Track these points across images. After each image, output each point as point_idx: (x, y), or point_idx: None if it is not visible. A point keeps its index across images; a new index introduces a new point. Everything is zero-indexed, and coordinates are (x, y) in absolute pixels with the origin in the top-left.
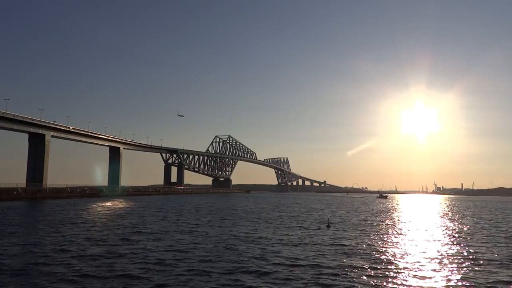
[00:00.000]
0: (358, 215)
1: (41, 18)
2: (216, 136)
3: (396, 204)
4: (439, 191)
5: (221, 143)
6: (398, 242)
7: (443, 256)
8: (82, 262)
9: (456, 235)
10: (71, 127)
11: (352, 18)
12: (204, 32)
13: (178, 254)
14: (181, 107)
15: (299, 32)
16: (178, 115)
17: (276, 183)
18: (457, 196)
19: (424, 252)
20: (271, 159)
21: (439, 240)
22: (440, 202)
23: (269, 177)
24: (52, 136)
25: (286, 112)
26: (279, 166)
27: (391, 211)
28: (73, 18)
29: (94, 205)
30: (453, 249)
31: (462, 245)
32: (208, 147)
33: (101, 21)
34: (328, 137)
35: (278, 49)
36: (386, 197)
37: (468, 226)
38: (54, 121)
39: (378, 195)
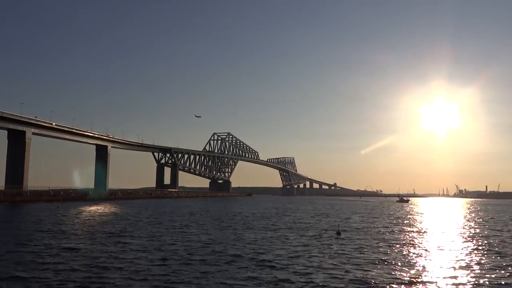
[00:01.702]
0: (374, 221)
1: (22, 6)
2: (214, 133)
3: (417, 209)
4: (462, 194)
5: (219, 141)
6: (423, 255)
7: (476, 276)
8: (57, 275)
9: (492, 248)
10: (54, 124)
11: (367, 4)
12: (199, 19)
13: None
14: (174, 102)
15: (307, 17)
16: (196, 116)
17: (281, 185)
18: (481, 199)
19: (452, 269)
20: (275, 159)
21: (471, 255)
22: (464, 207)
23: (273, 179)
24: (33, 133)
25: (293, 106)
26: (284, 167)
27: (413, 217)
28: (55, 5)
29: (78, 210)
30: (491, 267)
31: (501, 263)
32: (205, 146)
33: (87, 9)
34: (339, 135)
35: (283, 36)
36: (407, 201)
37: (503, 238)
38: (35, 117)
39: (398, 198)
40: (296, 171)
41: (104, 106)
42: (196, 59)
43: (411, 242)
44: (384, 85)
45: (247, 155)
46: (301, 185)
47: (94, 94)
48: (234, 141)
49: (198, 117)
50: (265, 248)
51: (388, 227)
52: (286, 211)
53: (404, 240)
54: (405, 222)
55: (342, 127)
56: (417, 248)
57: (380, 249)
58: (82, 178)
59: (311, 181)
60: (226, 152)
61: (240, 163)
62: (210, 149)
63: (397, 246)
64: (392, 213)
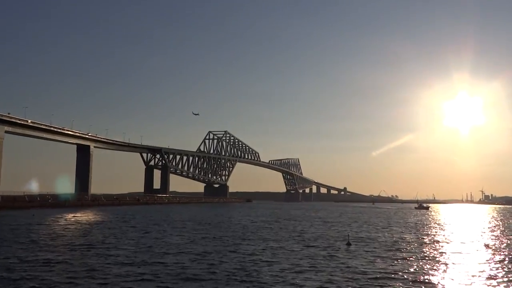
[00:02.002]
0: (390, 231)
1: None
2: (210, 132)
3: (439, 217)
4: (488, 200)
5: (215, 141)
6: (444, 271)
7: None
8: None
9: None
10: (29, 121)
11: None
12: (195, 10)
13: None
14: (165, 97)
15: (313, 3)
16: (193, 113)
17: (284, 190)
18: (510, 206)
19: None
20: (277, 160)
21: (502, 275)
22: (492, 215)
23: (275, 183)
24: (6, 132)
25: (298, 102)
26: (287, 169)
27: (433, 227)
28: None
29: (56, 218)
30: None
31: None
32: (200, 146)
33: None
34: (350, 134)
35: (287, 24)
36: (427, 208)
37: None
38: (8, 113)
39: (416, 205)
40: (302, 174)
41: (86, 102)
42: (190, 51)
43: (432, 256)
44: (401, 78)
45: (246, 156)
46: (307, 190)
47: (75, 89)
48: (232, 141)
49: (196, 114)
50: (266, 261)
51: (405, 238)
52: (290, 218)
53: (423, 253)
54: (424, 232)
55: (353, 125)
56: (438, 263)
57: (396, 263)
58: (62, 182)
59: (318, 185)
60: (223, 153)
61: (238, 165)
62: (205, 150)
63: (416, 260)
64: (409, 222)
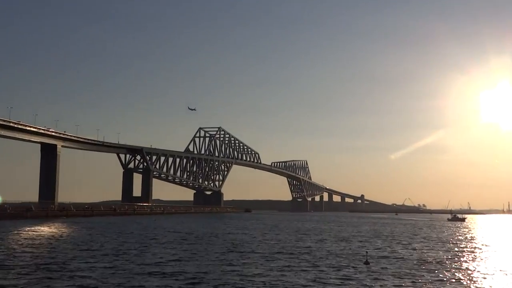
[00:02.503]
0: (417, 248)
1: None
2: (200, 128)
3: (478, 230)
4: None
5: (207, 139)
6: None
7: None
8: None
9: None
10: None
11: None
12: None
13: None
14: (148, 88)
15: None
16: (189, 108)
17: (290, 198)
18: None
19: None
20: (281, 162)
21: None
22: None
23: (279, 189)
24: None
25: (304, 93)
26: (293, 173)
27: (472, 242)
28: None
29: (14, 232)
30: None
31: None
32: (188, 145)
33: None
34: (367, 131)
35: None
36: (463, 220)
37: None
38: None
39: (450, 216)
40: (310, 179)
41: (52, 93)
42: (177, 32)
43: (469, 278)
44: (430, 64)
45: (244, 158)
46: (317, 198)
47: (38, 76)
48: (227, 139)
49: (192, 110)
50: (272, 283)
51: (437, 257)
52: (298, 232)
53: (459, 277)
54: (461, 250)
55: (372, 120)
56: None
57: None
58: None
59: (330, 192)
60: (217, 154)
61: (235, 168)
62: (195, 150)
63: (448, 282)
64: (442, 237)
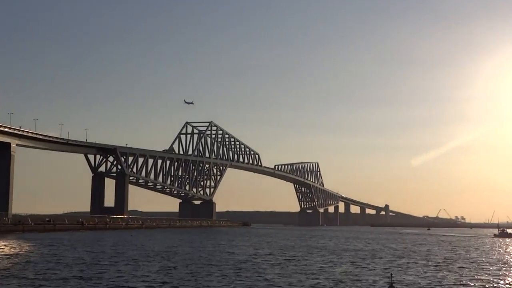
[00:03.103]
0: (455, 271)
1: None
2: (187, 123)
3: None
4: None
5: (195, 137)
6: None
7: None
8: None
9: None
10: None
11: None
12: None
13: None
14: (121, 75)
15: None
16: (186, 102)
17: (298, 209)
18: None
19: None
20: (287, 165)
21: None
22: None
23: (284, 198)
24: None
25: (315, 81)
26: (302, 178)
27: None
28: None
29: None
30: None
31: None
32: (173, 144)
33: None
34: (394, 126)
35: None
36: None
37: None
38: None
39: (497, 231)
40: (323, 186)
41: (5, 81)
42: (159, 10)
43: None
44: (461, 42)
45: (241, 159)
46: (331, 209)
47: None
48: (220, 136)
49: (188, 103)
50: None
51: (484, 282)
52: (308, 251)
53: None
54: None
55: (397, 113)
56: None
57: None
58: None
59: (347, 201)
60: (207, 154)
61: (230, 172)
62: (181, 150)
63: None
64: (491, 258)
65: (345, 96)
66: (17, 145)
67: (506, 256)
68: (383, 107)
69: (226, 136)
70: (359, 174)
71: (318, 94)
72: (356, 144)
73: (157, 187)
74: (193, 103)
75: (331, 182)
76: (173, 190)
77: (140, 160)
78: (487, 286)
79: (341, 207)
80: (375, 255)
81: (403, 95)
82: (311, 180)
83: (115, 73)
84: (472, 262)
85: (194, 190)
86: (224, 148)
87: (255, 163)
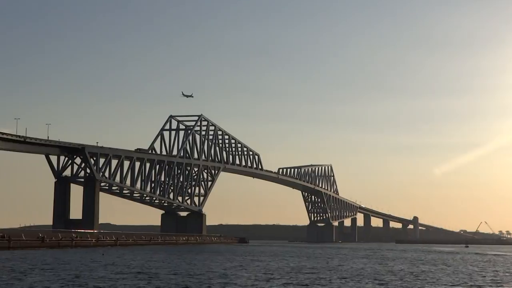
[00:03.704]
0: None
1: None
2: (172, 117)
3: None
4: None
5: (182, 134)
6: None
7: None
8: None
9: None
10: None
11: None
12: None
13: None
14: (90, 60)
15: None
16: (184, 94)
17: (306, 222)
18: None
19: None
20: (294, 168)
21: None
22: None
23: (290, 208)
24: None
25: (326, 66)
26: (312, 184)
27: None
28: None
29: None
30: None
31: None
32: (153, 143)
33: None
34: (425, 121)
35: None
36: None
37: None
38: None
39: None
40: (337, 193)
41: None
42: None
43: None
44: (497, 18)
45: (237, 161)
46: (347, 221)
47: None
48: (212, 134)
49: (187, 96)
50: None
51: None
52: (321, 273)
53: None
54: None
55: (431, 104)
56: None
57: None
58: None
59: (367, 213)
60: (196, 155)
61: (224, 177)
62: (164, 150)
63: None
64: None
65: (365, 85)
66: None
67: None
68: (411, 97)
69: (219, 132)
70: (382, 180)
71: (332, 82)
72: (379, 142)
73: (134, 195)
74: (192, 96)
75: (347, 189)
76: (154, 199)
77: (114, 162)
78: None
79: (360, 220)
80: (400, 281)
81: (436, 84)
82: (323, 186)
83: (83, 59)
84: None
85: (180, 199)
86: (217, 148)
87: (255, 165)
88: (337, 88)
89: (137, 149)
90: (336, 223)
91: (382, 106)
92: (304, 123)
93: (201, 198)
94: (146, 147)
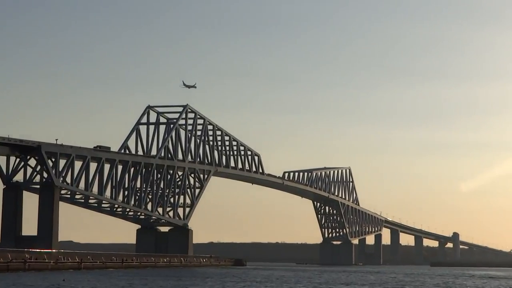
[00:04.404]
0: None
1: None
2: (150, 108)
3: None
4: None
5: (162, 129)
6: None
7: None
8: None
9: None
10: None
11: None
12: None
13: None
14: (49, 43)
15: None
16: (185, 85)
17: (319, 239)
18: None
19: None
20: (302, 172)
21: None
22: None
23: (299, 222)
24: None
25: (344, 45)
26: (326, 191)
27: None
28: None
29: None
30: None
31: None
32: (127, 140)
33: None
34: (469, 113)
35: None
36: None
37: None
38: None
39: None
40: (357, 203)
41: None
42: None
43: None
44: None
45: (232, 163)
46: (369, 239)
47: None
48: (200, 129)
49: (190, 87)
50: None
51: None
52: None
53: None
54: None
55: (473, 92)
56: None
57: None
58: None
59: (395, 228)
60: (181, 156)
61: (215, 183)
62: (141, 149)
63: None
64: None
65: (393, 68)
66: None
67: None
68: (452, 83)
69: (210, 127)
70: (413, 186)
71: (352, 64)
72: (410, 140)
73: (103, 206)
74: (195, 87)
75: (370, 198)
76: (128, 210)
77: (78, 164)
78: None
79: (386, 236)
80: None
81: (483, 66)
82: (340, 195)
83: (38, 39)
84: None
85: (160, 210)
86: (207, 146)
87: (254, 168)
88: (358, 71)
89: (97, 146)
90: (356, 241)
91: (413, 94)
92: (316, 115)
93: (187, 210)
94: (118, 146)
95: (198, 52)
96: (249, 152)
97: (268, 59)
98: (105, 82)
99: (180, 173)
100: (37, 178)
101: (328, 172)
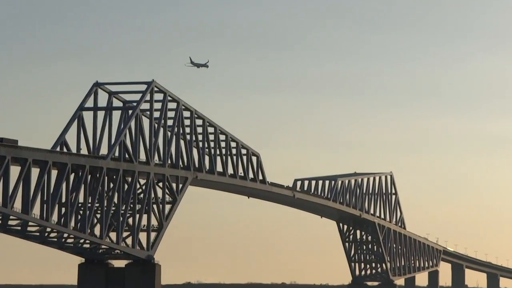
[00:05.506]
0: None
1: None
2: (98, 86)
3: None
4: None
5: (116, 115)
6: None
7: None
8: None
9: None
10: None
11: None
12: None
13: None
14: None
15: None
16: (193, 63)
17: (347, 278)
18: None
19: None
20: (321, 179)
21: None
22: None
23: (316, 254)
24: None
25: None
26: (355, 210)
27: None
28: None
29: None
30: None
31: None
32: (64, 133)
33: None
34: None
35: None
36: None
37: None
38: None
39: None
40: (403, 226)
41: None
42: None
43: None
44: None
45: (219, 167)
46: (422, 277)
47: None
48: (172, 116)
49: (200, 66)
50: None
51: None
52: None
53: None
54: None
55: None
56: None
57: None
58: None
59: (459, 261)
60: (144, 156)
61: (194, 195)
62: (87, 146)
63: None
64: None
65: (447, 34)
66: None
67: None
68: None
69: (187, 114)
70: (484, 201)
71: (385, 30)
72: (474, 134)
73: (29, 230)
74: (207, 66)
75: (420, 217)
76: (66, 236)
77: None
78: None
79: (445, 274)
80: None
81: None
82: (377, 214)
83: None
84: None
85: (113, 236)
86: (182, 142)
87: (252, 175)
88: (395, 41)
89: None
90: (401, 281)
91: (471, 68)
92: (339, 99)
93: (153, 235)
94: (51, 141)
95: (169, 11)
96: (244, 151)
97: (268, 25)
98: (37, 53)
99: (142, 181)
100: None
101: (359, 180)
